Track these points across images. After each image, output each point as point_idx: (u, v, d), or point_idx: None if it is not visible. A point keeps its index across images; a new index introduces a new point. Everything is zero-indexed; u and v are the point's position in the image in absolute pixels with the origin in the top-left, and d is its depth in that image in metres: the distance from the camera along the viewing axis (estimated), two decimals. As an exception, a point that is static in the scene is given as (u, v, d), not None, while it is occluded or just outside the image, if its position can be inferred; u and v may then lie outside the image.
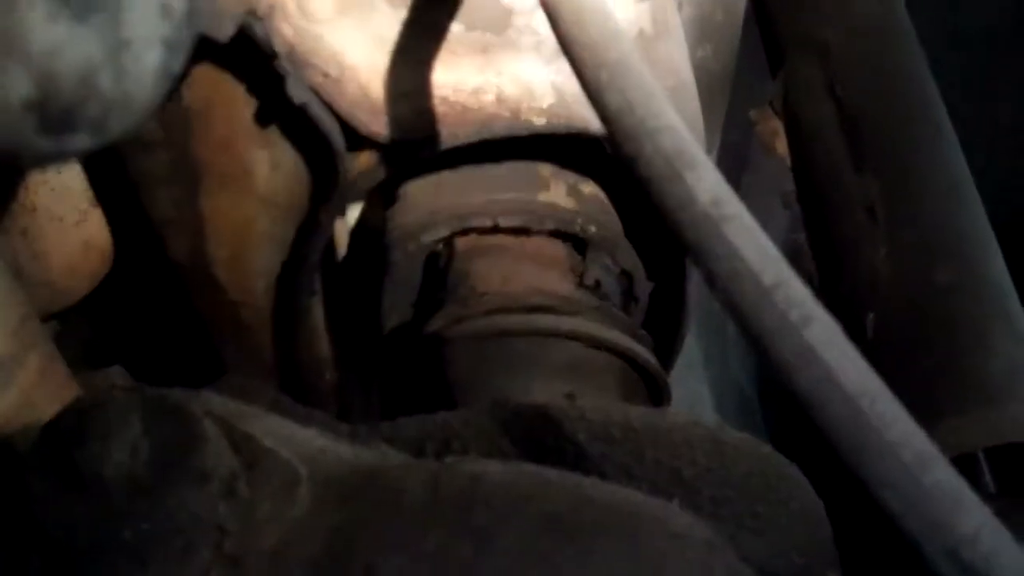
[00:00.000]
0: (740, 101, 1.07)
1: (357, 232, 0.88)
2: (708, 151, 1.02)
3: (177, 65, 0.27)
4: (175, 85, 0.28)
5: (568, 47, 0.44)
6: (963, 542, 0.33)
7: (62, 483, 0.46)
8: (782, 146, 0.94)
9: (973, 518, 0.33)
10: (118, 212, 0.85)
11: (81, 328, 1.14)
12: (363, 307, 0.85)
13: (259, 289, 0.81)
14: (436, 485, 0.49)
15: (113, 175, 0.79)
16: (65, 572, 0.46)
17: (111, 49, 0.24)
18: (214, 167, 0.73)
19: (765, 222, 1.09)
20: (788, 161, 0.93)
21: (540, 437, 0.60)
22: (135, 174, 0.73)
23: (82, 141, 0.24)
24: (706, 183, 0.39)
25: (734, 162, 1.35)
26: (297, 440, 0.54)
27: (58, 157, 0.25)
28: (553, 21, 0.46)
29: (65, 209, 0.84)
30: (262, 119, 0.71)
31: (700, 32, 0.91)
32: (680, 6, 0.85)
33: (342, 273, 0.86)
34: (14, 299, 0.71)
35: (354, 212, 0.87)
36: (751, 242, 0.38)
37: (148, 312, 1.02)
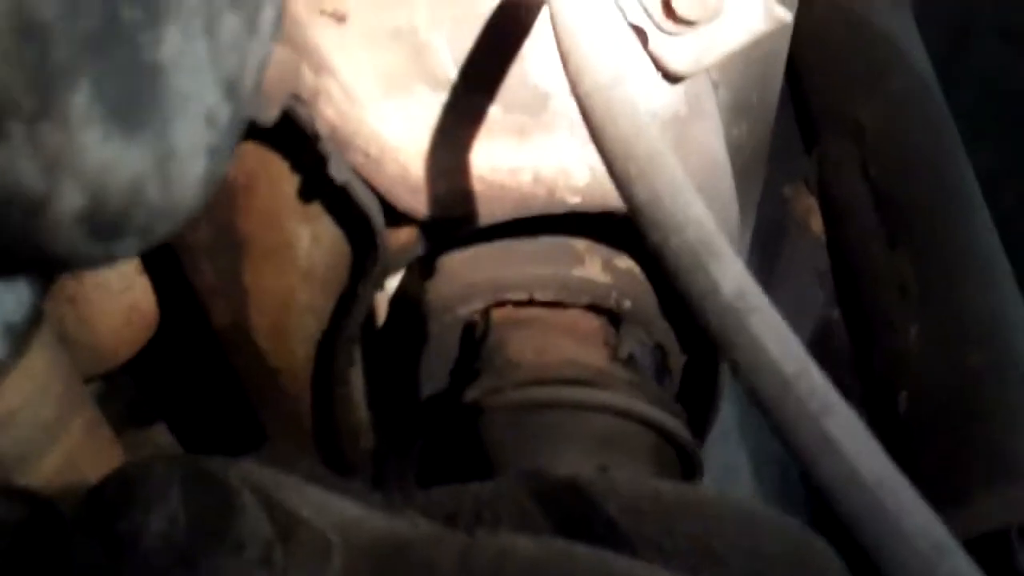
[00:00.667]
0: (779, 176, 1.09)
1: (396, 302, 0.90)
2: (743, 228, 1.03)
3: (221, 170, 0.29)
4: (218, 188, 0.30)
5: (598, 139, 0.46)
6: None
7: (104, 550, 0.48)
8: (817, 223, 0.95)
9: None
10: (164, 278, 0.87)
11: (126, 388, 1.16)
12: (401, 376, 0.87)
13: (299, 357, 0.83)
14: (466, 559, 0.50)
15: (159, 245, 0.81)
16: (106, 639, 0.47)
17: (159, 161, 0.25)
18: (257, 240, 0.75)
19: (801, 298, 1.10)
20: (823, 238, 0.94)
21: (570, 510, 0.61)
22: (180, 245, 0.75)
23: (130, 246, 0.26)
24: (731, 275, 0.40)
25: (771, 237, 1.37)
26: (332, 510, 0.55)
27: (106, 261, 0.26)
28: (584, 114, 0.47)
29: (111, 277, 0.86)
30: (305, 196, 0.73)
31: (736, 112, 0.93)
32: (716, 87, 0.86)
33: (381, 342, 0.88)
34: (60, 364, 0.73)
35: (393, 281, 0.89)
36: (774, 334, 0.39)
37: (192, 373, 1.04)
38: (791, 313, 1.11)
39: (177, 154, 0.26)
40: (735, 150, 0.92)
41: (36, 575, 0.51)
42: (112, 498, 0.49)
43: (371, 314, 0.87)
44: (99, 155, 0.24)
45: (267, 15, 0.33)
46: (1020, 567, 0.75)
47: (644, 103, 0.73)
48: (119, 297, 0.89)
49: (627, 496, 0.62)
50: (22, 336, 0.34)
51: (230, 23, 0.29)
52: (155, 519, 0.48)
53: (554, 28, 0.54)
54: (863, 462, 0.36)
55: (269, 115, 0.58)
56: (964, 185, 0.89)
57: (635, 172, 0.44)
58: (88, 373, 0.95)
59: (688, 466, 0.81)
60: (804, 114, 1.00)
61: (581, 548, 0.49)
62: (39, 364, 0.70)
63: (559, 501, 0.62)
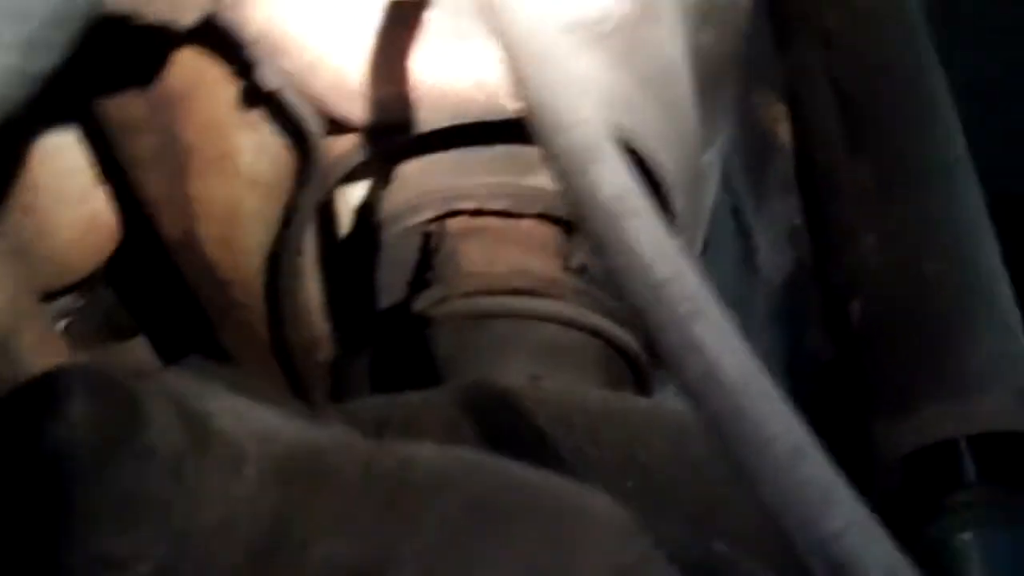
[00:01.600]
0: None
1: (359, 214, 0.89)
2: (714, 135, 1.01)
3: (44, 64, 0.28)
4: (41, 84, 0.29)
5: (499, 39, 0.45)
6: (830, 538, 0.33)
7: (4, 463, 0.48)
8: (784, 131, 0.94)
9: (842, 514, 0.33)
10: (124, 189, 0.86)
11: (104, 302, 1.16)
12: (359, 288, 0.86)
13: (250, 268, 0.82)
14: (369, 466, 0.49)
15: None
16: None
17: None
18: (200, 149, 0.74)
19: (773, 209, 1.08)
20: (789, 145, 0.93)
21: (499, 420, 0.61)
22: (124, 156, 0.74)
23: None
24: (611, 178, 0.39)
25: (762, 148, 1.35)
26: (250, 419, 0.55)
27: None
28: (484, 13, 0.46)
29: (68, 187, 0.86)
30: (244, 103, 0.72)
31: (702, 17, 0.91)
32: (677, -9, 0.84)
33: (342, 253, 0.87)
34: (7, 275, 0.73)
35: (358, 193, 0.88)
36: (649, 237, 0.38)
37: (166, 286, 1.03)
38: (766, 225, 1.09)
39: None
40: (701, 56, 0.90)
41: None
42: (9, 409, 0.48)
43: (333, 225, 0.87)
44: None
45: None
46: (967, 479, 0.74)
47: (590, 4, 0.71)
48: (77, 207, 0.88)
49: (556, 406, 0.61)
50: None
51: None
52: (55, 427, 0.48)
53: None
54: (726, 364, 0.36)
55: (187, 19, 0.57)
56: (931, 94, 0.87)
57: (527, 72, 0.43)
58: (50, 285, 0.95)
59: (640, 378, 0.80)
60: (775, 21, 0.98)
61: (484, 457, 0.49)
62: (-17, 274, 0.70)
63: (488, 412, 0.62)
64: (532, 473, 0.48)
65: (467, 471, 0.48)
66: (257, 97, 0.71)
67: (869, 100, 0.85)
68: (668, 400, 0.81)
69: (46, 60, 0.29)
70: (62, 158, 0.85)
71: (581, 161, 0.40)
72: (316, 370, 0.87)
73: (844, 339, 0.79)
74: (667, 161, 0.77)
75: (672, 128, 0.78)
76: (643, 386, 0.80)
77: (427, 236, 0.83)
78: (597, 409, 0.61)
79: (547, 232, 0.81)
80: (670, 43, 0.80)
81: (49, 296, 0.99)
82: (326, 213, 0.83)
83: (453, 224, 0.82)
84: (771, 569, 0.45)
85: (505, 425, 0.61)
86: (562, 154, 0.41)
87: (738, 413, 0.35)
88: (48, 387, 0.49)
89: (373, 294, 0.87)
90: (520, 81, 0.43)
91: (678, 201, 0.81)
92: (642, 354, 0.79)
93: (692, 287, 0.37)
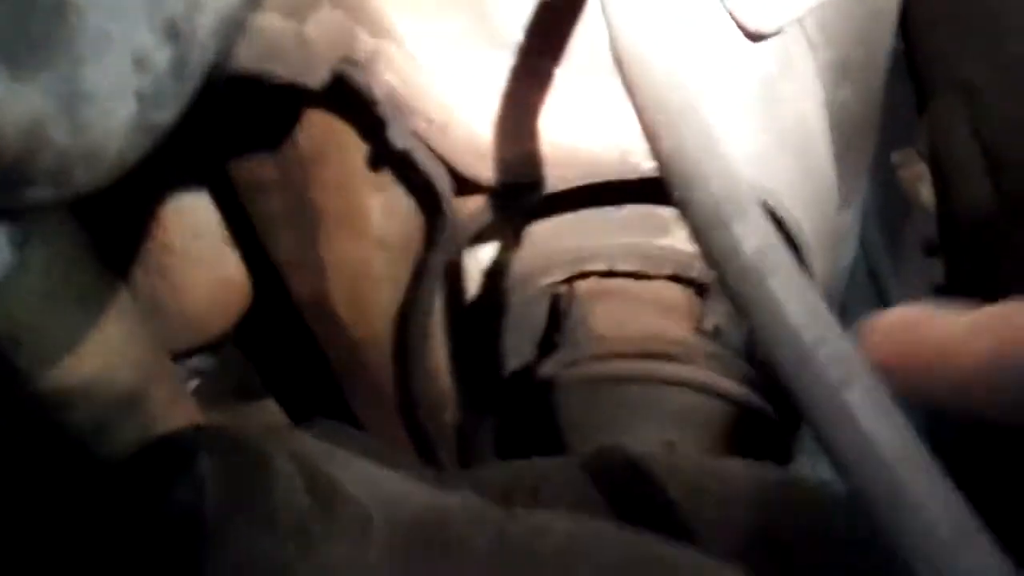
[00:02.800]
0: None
1: (488, 274, 0.89)
2: (852, 194, 0.98)
3: (163, 116, 0.28)
4: (161, 136, 0.28)
5: (630, 90, 0.44)
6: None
7: (130, 520, 0.47)
8: (927, 191, 0.90)
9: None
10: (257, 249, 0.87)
11: (234, 362, 1.17)
12: (487, 349, 0.85)
13: (379, 328, 0.82)
14: (501, 537, 0.48)
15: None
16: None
17: (65, 103, 0.24)
18: (330, 209, 0.74)
19: (915, 271, 1.04)
20: (932, 206, 0.89)
21: (631, 489, 0.59)
22: (255, 216, 0.75)
23: (41, 193, 0.24)
24: (753, 234, 0.37)
25: (901, 209, 1.31)
26: (378, 484, 0.54)
27: (17, 208, 0.25)
28: (619, 64, 0.45)
29: (200, 247, 0.87)
30: (374, 163, 0.72)
31: (839, 73, 0.88)
32: (815, 48, 0.82)
33: (471, 314, 0.86)
34: (138, 335, 0.73)
35: (488, 254, 0.88)
36: (795, 296, 0.36)
37: (297, 345, 1.04)
38: (905, 287, 1.05)
39: (93, 96, 0.25)
40: (838, 113, 0.88)
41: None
42: (138, 469, 0.48)
43: (461, 286, 0.86)
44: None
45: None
46: None
47: (725, 61, 0.70)
48: (208, 268, 0.89)
49: (691, 475, 0.59)
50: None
51: (171, -38, 0.28)
52: (182, 488, 0.48)
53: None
54: (883, 437, 0.33)
55: (317, 78, 0.57)
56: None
57: (663, 123, 0.41)
58: (181, 345, 0.96)
59: (777, 444, 0.77)
60: (917, 76, 0.94)
61: (616, 529, 0.47)
62: (115, 334, 0.71)
63: (620, 480, 0.60)
64: (668, 547, 0.46)
65: (600, 544, 0.46)
66: (387, 157, 0.71)
67: (1020, 159, 0.82)
68: (808, 472, 0.78)
69: (166, 112, 0.28)
70: (194, 219, 0.86)
71: (721, 216, 0.38)
72: (443, 433, 0.86)
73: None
74: (805, 221, 0.74)
75: (810, 187, 0.76)
76: (781, 455, 0.77)
77: (556, 297, 0.82)
78: (734, 480, 0.58)
79: (679, 294, 0.80)
80: (807, 100, 0.78)
81: (180, 356, 1.00)
82: (455, 274, 0.83)
83: (583, 286, 0.81)
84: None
85: (637, 494, 0.58)
86: (700, 209, 0.39)
87: (896, 491, 0.32)
88: (177, 447, 0.49)
89: (501, 356, 0.86)
90: (656, 135, 0.41)
91: (815, 262, 0.78)
92: (780, 422, 0.76)
93: (844, 351, 0.35)
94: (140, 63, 0.27)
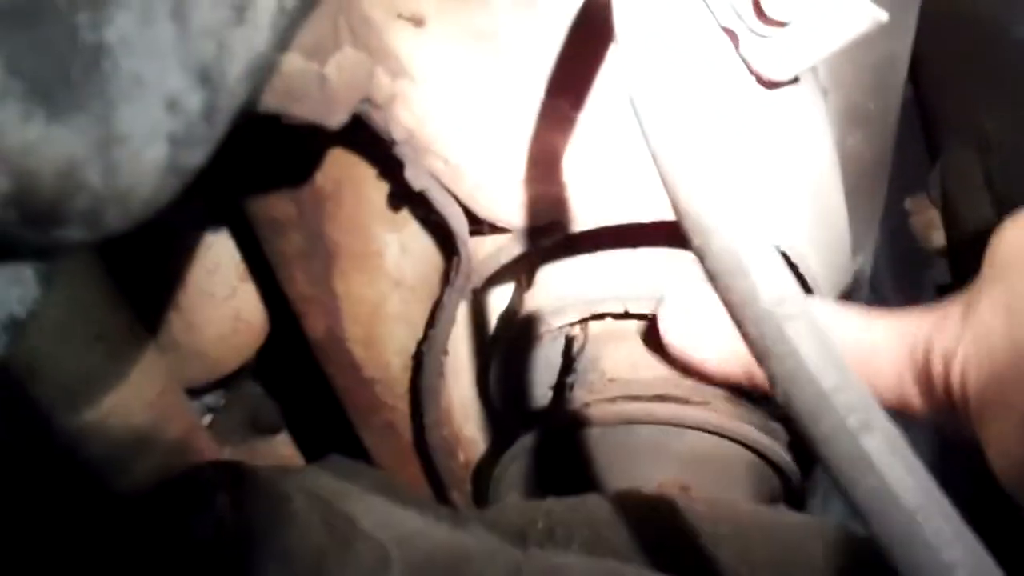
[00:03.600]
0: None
1: (503, 315, 0.89)
2: (865, 239, 0.99)
3: (194, 159, 0.28)
4: (191, 178, 0.29)
5: (647, 136, 0.44)
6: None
7: (149, 554, 0.48)
8: (939, 237, 0.90)
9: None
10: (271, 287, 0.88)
11: (248, 397, 1.18)
12: (502, 390, 0.86)
13: (394, 367, 0.82)
14: (517, 576, 0.48)
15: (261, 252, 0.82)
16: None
17: (99, 145, 0.24)
18: (346, 248, 0.75)
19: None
20: (944, 254, 0.90)
21: (646, 531, 0.59)
22: (271, 254, 0.75)
23: (74, 233, 0.25)
24: (771, 281, 0.38)
25: (913, 255, 1.31)
26: (393, 522, 0.54)
27: (51, 249, 0.25)
28: (636, 110, 0.45)
29: (215, 285, 0.87)
30: (393, 203, 0.72)
31: (850, 120, 0.89)
32: (826, 94, 0.83)
33: (485, 356, 0.87)
34: (155, 371, 0.74)
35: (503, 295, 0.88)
36: (813, 344, 0.36)
37: (311, 382, 1.04)
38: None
39: (126, 139, 0.25)
40: (850, 159, 0.88)
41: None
42: (157, 504, 0.49)
43: (476, 326, 0.87)
44: (19, 135, 0.23)
45: (263, 3, 0.32)
46: None
47: (740, 109, 0.70)
48: (223, 304, 0.90)
49: (706, 518, 0.59)
50: (23, 330, 0.34)
51: (205, 8, 0.28)
52: (200, 522, 0.48)
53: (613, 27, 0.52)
54: (903, 484, 0.33)
55: (337, 119, 0.58)
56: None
57: (679, 170, 0.42)
58: (198, 381, 0.97)
59: (790, 488, 0.77)
60: (929, 124, 0.95)
61: (631, 570, 0.47)
62: (131, 370, 0.71)
63: (635, 522, 0.60)
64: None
65: (615, 585, 0.46)
66: (404, 197, 0.71)
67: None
68: (821, 516, 0.78)
69: (197, 154, 0.29)
70: (210, 256, 0.86)
71: (739, 263, 0.39)
72: (458, 472, 0.86)
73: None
74: (818, 267, 0.74)
75: (823, 233, 0.76)
76: (794, 499, 0.77)
77: (570, 339, 0.82)
78: (748, 522, 0.58)
79: (692, 337, 0.79)
80: (819, 147, 0.78)
81: (195, 392, 1.00)
82: (470, 314, 0.83)
83: (597, 327, 0.81)
84: None
85: (652, 536, 0.59)
86: (718, 256, 0.39)
87: (915, 535, 0.32)
88: (194, 482, 0.49)
89: (516, 397, 0.86)
90: (672, 182, 0.42)
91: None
92: (791, 464, 0.76)
93: (860, 397, 0.35)
94: (172, 106, 0.27)
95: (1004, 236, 0.60)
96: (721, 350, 0.71)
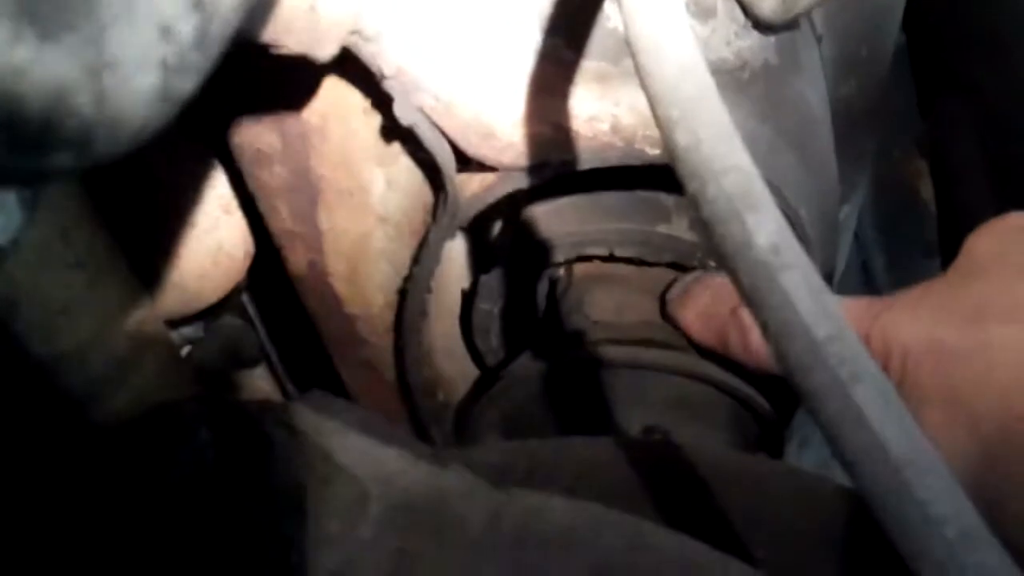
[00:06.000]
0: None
1: (487, 254, 0.88)
2: (854, 188, 0.98)
3: (185, 86, 0.27)
4: (182, 106, 0.28)
5: (644, 79, 0.43)
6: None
7: (129, 487, 0.47)
8: (926, 189, 0.90)
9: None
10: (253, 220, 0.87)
11: (227, 330, 1.17)
12: (484, 330, 0.85)
13: (376, 304, 0.82)
14: (496, 516, 0.48)
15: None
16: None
17: (90, 70, 0.24)
18: (332, 182, 0.74)
19: (912, 271, 1.04)
20: (931, 205, 0.89)
21: (627, 474, 0.59)
22: (254, 186, 0.74)
23: (63, 160, 0.24)
24: (767, 228, 0.37)
25: (899, 205, 1.31)
26: (374, 459, 0.54)
27: (38, 176, 0.25)
28: (633, 51, 0.44)
29: (197, 215, 0.86)
30: (385, 136, 0.72)
31: (844, 68, 0.88)
32: (820, 40, 0.82)
33: (469, 295, 0.86)
34: (133, 302, 0.73)
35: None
36: (806, 293, 0.36)
37: (291, 316, 1.03)
38: (898, 283, 1.05)
39: (118, 64, 0.25)
40: (843, 106, 0.88)
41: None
42: (139, 435, 0.48)
43: (467, 265, 0.86)
44: (8, 56, 0.22)
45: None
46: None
47: (733, 50, 0.69)
48: (204, 237, 0.88)
49: (686, 463, 0.59)
50: (4, 258, 0.34)
51: (198, -68, 0.27)
52: (182, 456, 0.48)
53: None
54: (892, 436, 0.33)
55: (326, 51, 0.56)
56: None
57: (677, 115, 0.41)
58: (176, 313, 0.96)
59: (769, 434, 0.77)
60: (921, 75, 0.94)
61: (614, 514, 0.47)
62: (111, 300, 0.70)
63: (616, 465, 0.60)
64: (669, 534, 0.46)
65: (597, 529, 0.46)
66: (392, 132, 0.70)
67: (1021, 158, 0.82)
68: (794, 459, 0.78)
69: (189, 82, 0.28)
70: (193, 187, 0.85)
71: (734, 209, 0.38)
72: (438, 411, 0.86)
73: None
74: (807, 214, 0.74)
75: (812, 181, 0.76)
76: (773, 446, 0.77)
77: (555, 280, 0.82)
78: (728, 469, 0.58)
79: (678, 282, 0.79)
80: (811, 94, 0.78)
81: (174, 323, 1.00)
82: (454, 253, 0.83)
83: (582, 269, 0.80)
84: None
85: (634, 481, 0.59)
86: (712, 201, 0.39)
87: (903, 490, 0.32)
88: (176, 416, 0.49)
89: (498, 337, 0.86)
90: (669, 128, 0.41)
91: (816, 257, 0.78)
92: (770, 410, 0.76)
93: (853, 349, 0.35)
94: (165, 32, 0.26)
95: (979, 240, 0.61)
96: (700, 315, 0.72)
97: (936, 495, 0.32)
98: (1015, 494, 0.52)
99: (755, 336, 0.67)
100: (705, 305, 0.71)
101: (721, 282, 0.72)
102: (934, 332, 0.57)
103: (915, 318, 0.59)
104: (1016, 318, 0.55)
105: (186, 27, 0.27)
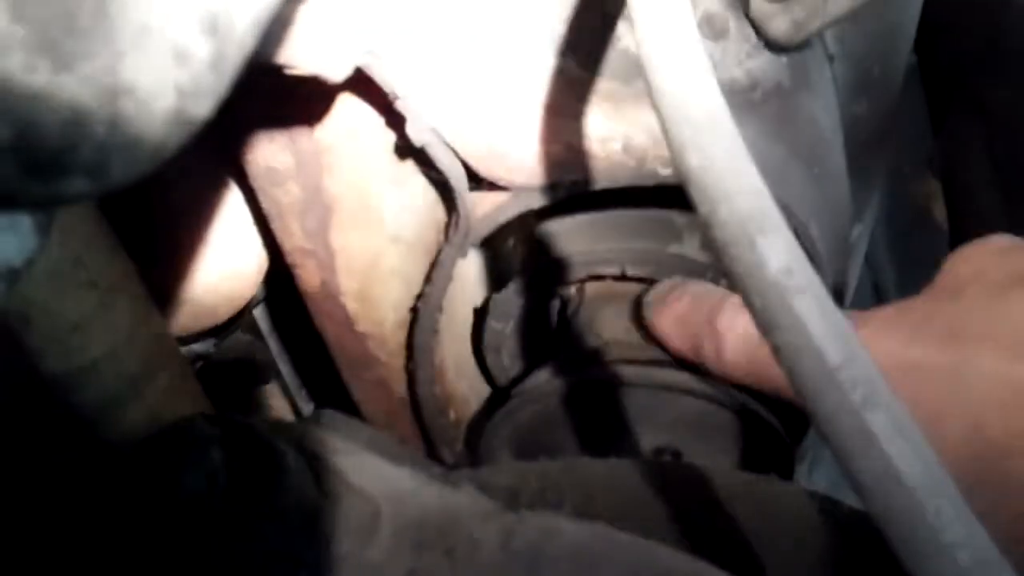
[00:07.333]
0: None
1: (501, 274, 0.89)
2: (866, 207, 0.98)
3: (201, 110, 0.27)
4: (197, 130, 0.28)
5: (656, 99, 0.43)
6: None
7: (142, 503, 0.47)
8: (938, 208, 0.90)
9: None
10: (266, 238, 0.87)
11: (239, 347, 1.17)
12: (496, 349, 0.85)
13: (388, 323, 0.82)
14: (509, 538, 0.48)
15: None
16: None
17: (104, 96, 0.24)
18: (344, 201, 0.74)
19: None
20: (943, 224, 0.89)
21: (637, 495, 0.59)
22: (267, 204, 0.75)
23: (78, 185, 0.24)
24: (780, 251, 0.37)
25: (910, 224, 1.30)
26: (386, 479, 0.54)
27: (53, 200, 0.25)
28: (645, 71, 0.45)
29: (211, 232, 0.87)
30: (398, 155, 0.72)
31: (855, 88, 0.88)
32: (831, 60, 0.82)
33: (481, 314, 0.86)
34: (146, 318, 0.73)
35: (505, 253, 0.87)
36: (819, 316, 0.36)
37: (303, 334, 1.04)
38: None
39: (133, 89, 0.25)
40: (855, 126, 0.88)
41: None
42: (150, 453, 0.48)
43: (479, 285, 0.86)
44: (24, 85, 0.22)
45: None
46: None
47: (745, 70, 0.70)
48: (217, 254, 0.89)
49: (696, 484, 0.59)
50: (18, 280, 0.34)
51: (214, -43, 0.28)
52: (193, 476, 0.48)
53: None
54: (905, 462, 0.33)
55: (340, 71, 0.57)
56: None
57: (689, 136, 0.41)
58: (189, 329, 0.96)
59: (780, 454, 0.77)
60: (933, 95, 0.94)
61: (626, 535, 0.47)
62: (123, 316, 0.70)
63: (627, 486, 0.60)
64: (680, 557, 0.46)
65: (608, 550, 0.46)
66: (405, 151, 0.71)
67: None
68: (804, 480, 0.77)
69: (204, 106, 0.28)
70: (207, 205, 0.86)
71: (746, 232, 0.38)
72: (449, 430, 0.86)
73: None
74: (818, 234, 0.74)
75: (824, 200, 0.76)
76: (784, 467, 0.77)
77: (566, 299, 0.82)
78: (739, 490, 0.58)
79: (689, 301, 0.79)
80: (823, 114, 0.78)
81: (186, 340, 1.00)
82: (466, 272, 0.83)
83: (594, 288, 0.81)
84: None
85: (644, 501, 0.58)
86: (724, 223, 0.39)
87: (916, 514, 0.32)
88: (188, 435, 0.49)
89: (510, 356, 0.86)
90: (680, 149, 0.41)
91: (826, 273, 0.78)
92: (781, 430, 0.76)
93: (867, 372, 0.35)
94: (179, 57, 0.26)
95: (957, 260, 0.61)
96: (675, 322, 0.72)
97: (950, 520, 0.32)
98: (985, 515, 0.52)
99: (729, 347, 0.67)
100: (682, 313, 0.71)
101: (698, 290, 0.72)
102: (908, 351, 0.57)
103: (890, 336, 0.59)
104: (990, 339, 0.55)
105: (201, 51, 0.27)
